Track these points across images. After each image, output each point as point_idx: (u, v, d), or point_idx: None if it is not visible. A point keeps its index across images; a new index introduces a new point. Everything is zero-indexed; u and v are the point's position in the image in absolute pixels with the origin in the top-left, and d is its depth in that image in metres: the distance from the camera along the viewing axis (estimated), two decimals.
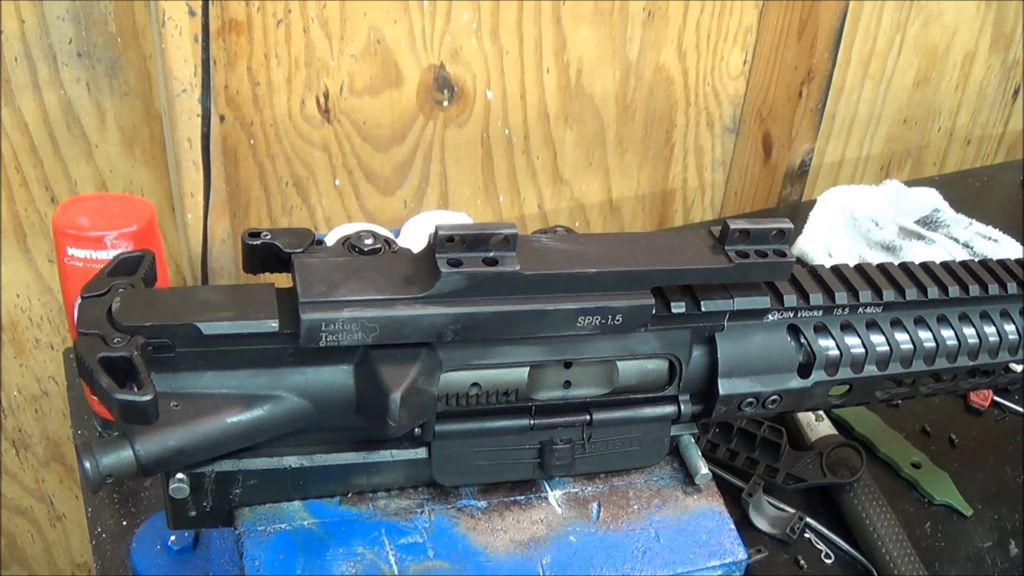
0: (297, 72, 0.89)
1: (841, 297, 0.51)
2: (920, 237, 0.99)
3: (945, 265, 0.55)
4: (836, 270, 0.53)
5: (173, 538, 0.60)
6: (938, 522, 0.70)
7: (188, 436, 0.36)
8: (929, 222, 1.04)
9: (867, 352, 0.52)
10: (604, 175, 1.13)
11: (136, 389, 0.33)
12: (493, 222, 0.65)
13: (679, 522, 0.48)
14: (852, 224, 1.02)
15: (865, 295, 0.51)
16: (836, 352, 0.52)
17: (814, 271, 0.52)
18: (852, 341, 0.52)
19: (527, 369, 0.44)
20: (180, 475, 0.38)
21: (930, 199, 1.07)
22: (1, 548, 1.08)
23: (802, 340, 0.51)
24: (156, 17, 0.74)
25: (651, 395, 0.49)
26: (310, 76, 0.90)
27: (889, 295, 0.52)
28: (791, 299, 0.50)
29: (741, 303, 0.48)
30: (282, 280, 0.39)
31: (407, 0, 0.90)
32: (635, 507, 0.48)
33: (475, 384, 0.43)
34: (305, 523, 0.41)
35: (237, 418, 0.37)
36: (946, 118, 1.38)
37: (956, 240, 1.00)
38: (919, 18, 1.23)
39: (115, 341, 0.34)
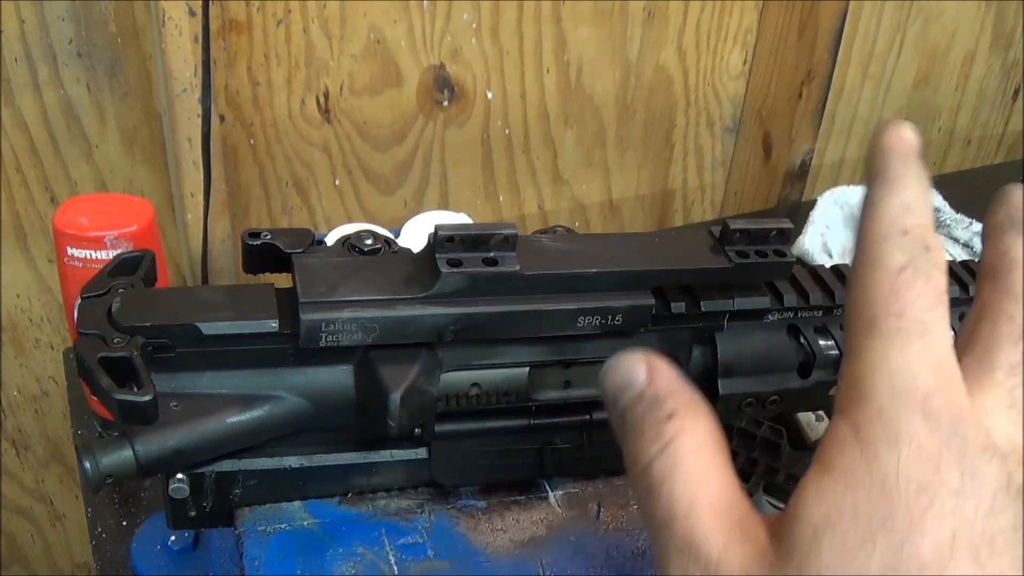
0: (297, 72, 0.89)
1: (841, 297, 0.51)
2: None
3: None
4: (836, 270, 0.53)
5: (173, 538, 0.60)
6: None
7: (188, 436, 0.36)
8: None
9: None
10: (604, 175, 1.13)
11: (136, 389, 0.33)
12: (493, 222, 0.65)
13: None
14: (852, 224, 1.02)
15: None
16: (836, 352, 0.51)
17: (814, 271, 0.52)
18: None
19: (527, 369, 0.44)
20: (180, 475, 0.38)
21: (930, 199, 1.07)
22: (1, 548, 1.08)
23: (802, 340, 0.51)
24: (156, 17, 0.74)
25: None
26: (310, 76, 0.90)
27: None
28: (791, 299, 0.50)
29: (741, 303, 0.48)
30: (282, 280, 0.39)
31: (407, 0, 0.90)
32: (635, 507, 0.48)
33: (475, 384, 0.43)
34: (305, 523, 0.41)
35: (237, 418, 0.37)
36: (946, 118, 1.38)
37: (956, 240, 1.00)
38: (919, 18, 1.23)
39: (115, 341, 0.34)
